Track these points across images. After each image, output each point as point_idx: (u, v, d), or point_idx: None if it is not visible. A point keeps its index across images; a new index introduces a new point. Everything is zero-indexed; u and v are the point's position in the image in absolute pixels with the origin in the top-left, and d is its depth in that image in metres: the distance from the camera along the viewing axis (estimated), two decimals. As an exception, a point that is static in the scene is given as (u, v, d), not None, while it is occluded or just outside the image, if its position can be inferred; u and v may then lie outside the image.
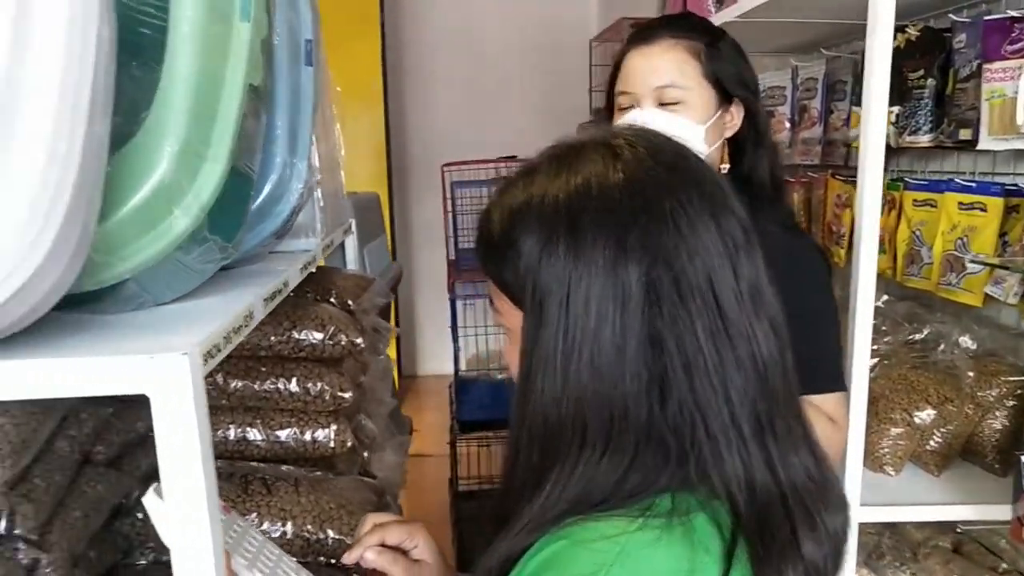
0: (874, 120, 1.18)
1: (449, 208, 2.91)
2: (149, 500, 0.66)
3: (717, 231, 0.56)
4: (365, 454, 1.28)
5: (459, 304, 2.97)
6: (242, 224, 0.79)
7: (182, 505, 0.55)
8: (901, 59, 1.47)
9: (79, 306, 0.69)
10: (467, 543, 2.80)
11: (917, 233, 1.54)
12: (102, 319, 0.70)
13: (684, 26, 1.21)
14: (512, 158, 2.86)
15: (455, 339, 2.97)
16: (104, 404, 0.93)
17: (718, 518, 0.54)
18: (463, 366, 3.11)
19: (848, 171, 1.87)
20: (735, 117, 1.22)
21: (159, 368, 0.54)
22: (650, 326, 0.54)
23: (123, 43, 0.59)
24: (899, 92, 1.48)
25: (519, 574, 0.54)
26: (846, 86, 1.90)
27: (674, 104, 1.17)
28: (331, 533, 0.97)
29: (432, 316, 4.34)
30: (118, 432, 0.95)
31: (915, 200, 1.56)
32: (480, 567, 0.59)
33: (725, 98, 1.21)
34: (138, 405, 1.01)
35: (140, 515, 0.95)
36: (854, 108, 1.74)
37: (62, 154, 0.52)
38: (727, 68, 1.19)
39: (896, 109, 1.48)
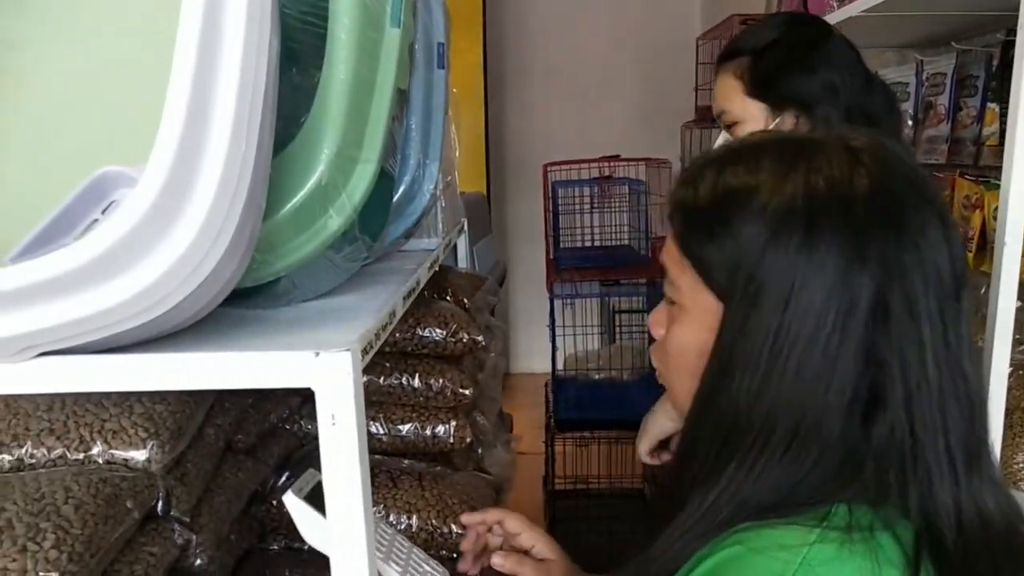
0: (1023, 115, 1.11)
1: (550, 208, 2.91)
2: (289, 499, 0.69)
3: (949, 258, 0.54)
4: (479, 450, 1.30)
5: (557, 304, 2.97)
6: (385, 223, 0.81)
7: (343, 494, 0.57)
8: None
9: (232, 302, 0.72)
10: (561, 542, 2.80)
11: (1059, 239, 1.45)
12: (255, 315, 0.73)
13: (733, 51, 1.27)
14: (615, 157, 2.84)
15: (553, 338, 2.97)
16: (244, 394, 0.98)
17: (902, 537, 0.52)
18: (559, 365, 3.11)
19: (977, 171, 1.78)
20: (794, 122, 1.22)
21: (324, 364, 0.56)
22: (871, 342, 0.53)
23: (284, 50, 0.61)
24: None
25: None
26: (977, 81, 1.80)
27: (733, 126, 1.25)
28: (455, 528, 0.98)
29: (526, 315, 4.35)
30: (255, 422, 0.99)
31: (1057, 204, 1.46)
32: (635, 567, 0.59)
33: (778, 107, 1.22)
34: (272, 397, 1.05)
35: (274, 502, 0.98)
36: (989, 104, 1.65)
37: (240, 156, 0.54)
38: (770, 79, 1.21)
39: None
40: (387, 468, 1.05)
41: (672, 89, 3.65)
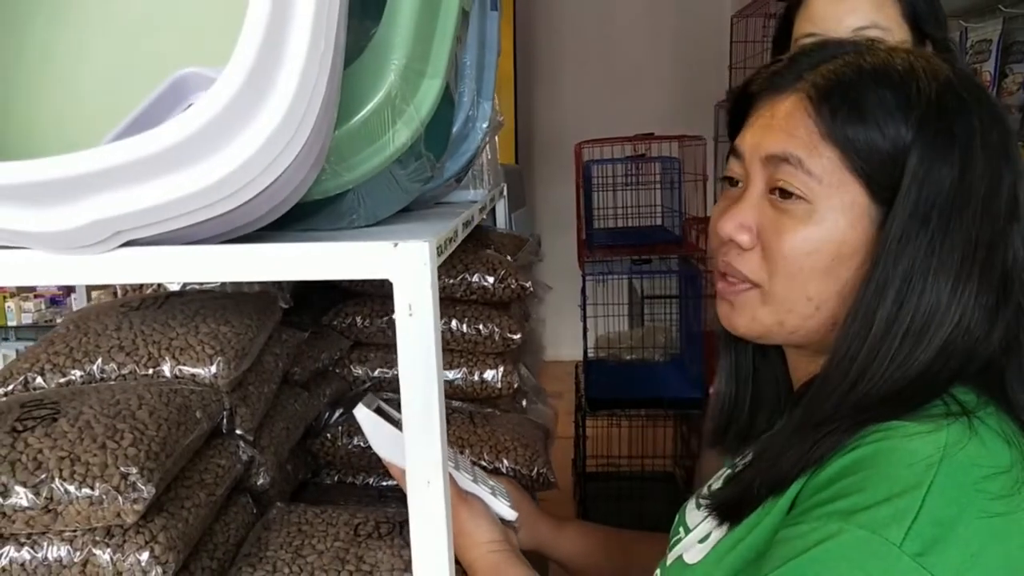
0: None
1: (582, 186, 2.91)
2: (360, 412, 0.70)
3: None
4: (524, 403, 1.30)
5: (589, 283, 2.97)
6: (447, 145, 0.82)
7: (420, 387, 0.58)
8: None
9: (295, 221, 0.73)
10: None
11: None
12: (320, 235, 0.74)
13: None
14: (650, 135, 2.83)
15: (584, 318, 2.97)
16: (303, 328, 0.99)
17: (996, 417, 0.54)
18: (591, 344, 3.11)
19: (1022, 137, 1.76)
20: None
21: (403, 254, 0.57)
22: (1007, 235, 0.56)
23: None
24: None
25: (826, 472, 0.54)
26: None
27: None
28: (507, 463, 0.99)
29: (555, 303, 4.33)
30: (310, 358, 1.00)
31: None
32: (757, 471, 0.59)
33: (919, 40, 1.16)
34: (326, 336, 1.06)
35: (329, 436, 1.00)
36: (1037, 67, 1.63)
37: (319, 54, 0.55)
38: (922, 5, 1.13)
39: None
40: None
41: (704, 70, 3.64)
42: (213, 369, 0.76)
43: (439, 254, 0.63)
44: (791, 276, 0.59)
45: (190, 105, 0.63)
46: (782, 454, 0.56)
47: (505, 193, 1.77)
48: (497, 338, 1.13)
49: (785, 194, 0.58)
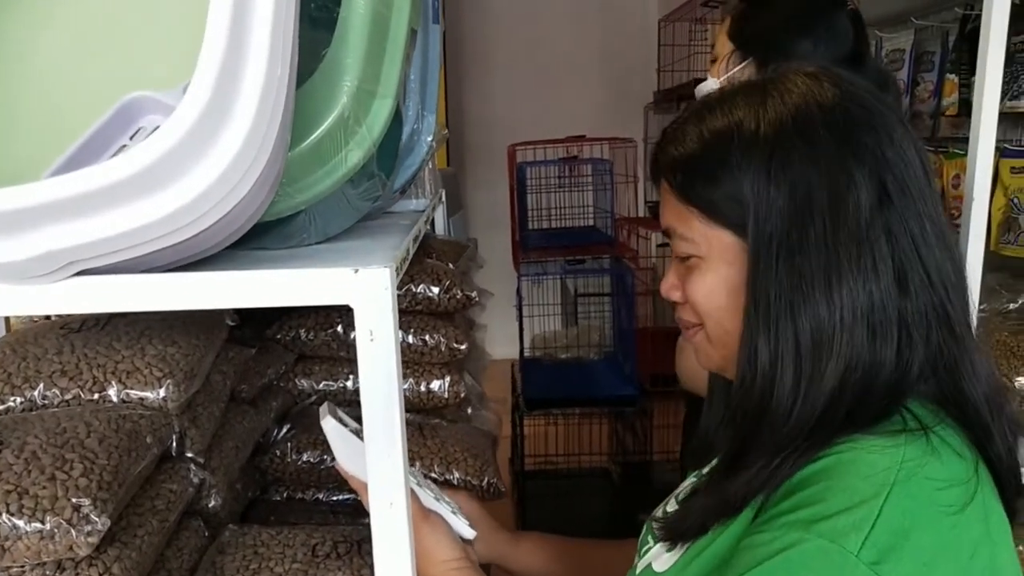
0: (989, 85, 1.17)
1: (515, 188, 2.93)
2: (328, 424, 0.70)
3: (915, 149, 0.61)
4: (468, 409, 1.31)
5: (524, 284, 3.00)
6: (396, 162, 0.82)
7: (381, 411, 0.58)
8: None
9: (245, 241, 0.73)
10: (531, 522, 2.83)
11: (1015, 201, 1.53)
12: (272, 253, 0.73)
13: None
14: (581, 137, 2.87)
15: (520, 319, 2.99)
16: (248, 345, 0.98)
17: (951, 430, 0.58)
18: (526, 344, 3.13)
19: (935, 142, 1.85)
20: (752, 71, 1.26)
21: (364, 280, 0.57)
22: (885, 226, 0.58)
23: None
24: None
25: (790, 480, 0.56)
26: (934, 56, 1.88)
27: (713, 63, 1.32)
28: (457, 474, 1.00)
29: (489, 302, 4.36)
30: (256, 374, 0.99)
31: (1013, 167, 1.54)
32: (712, 495, 0.61)
33: (745, 55, 1.28)
34: (271, 352, 1.05)
35: (278, 452, 0.99)
36: (948, 76, 1.73)
37: (276, 79, 0.55)
38: (750, 26, 1.27)
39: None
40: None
41: (631, 73, 3.70)
42: (162, 392, 0.75)
43: (398, 272, 0.63)
44: (709, 316, 0.65)
45: (139, 129, 0.62)
46: (729, 480, 0.59)
47: (444, 199, 1.78)
48: (443, 348, 1.13)
49: (683, 256, 0.66)
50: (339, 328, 1.13)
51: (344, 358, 1.14)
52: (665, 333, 2.84)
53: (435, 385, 1.14)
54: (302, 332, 1.11)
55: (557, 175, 2.92)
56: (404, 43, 0.73)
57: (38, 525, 0.60)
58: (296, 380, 1.12)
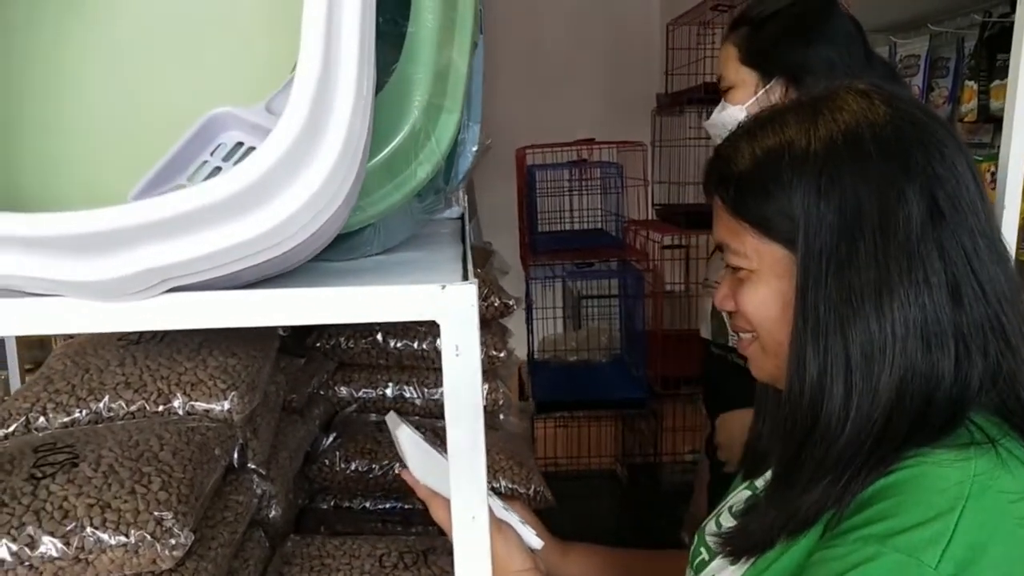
0: (1022, 91, 1.18)
1: (525, 191, 2.94)
2: (405, 435, 0.71)
3: (967, 163, 0.61)
4: (501, 416, 1.32)
5: (533, 286, 3.00)
6: (453, 175, 0.83)
7: (465, 425, 0.59)
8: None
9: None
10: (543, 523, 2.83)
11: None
12: (336, 266, 0.74)
13: (738, 20, 1.33)
14: (591, 140, 2.87)
15: (529, 321, 3.00)
16: (289, 352, 0.98)
17: (1017, 442, 0.59)
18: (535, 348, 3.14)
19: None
20: (783, 90, 1.27)
21: (450, 296, 0.58)
22: (938, 243, 0.59)
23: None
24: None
25: (861, 495, 0.57)
26: (949, 63, 1.89)
27: (728, 91, 1.31)
28: (503, 482, 1.00)
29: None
30: (303, 384, 1.00)
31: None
32: (775, 511, 0.62)
33: (767, 77, 1.28)
34: (313, 359, 1.05)
35: (326, 462, 0.99)
36: (967, 83, 1.74)
37: (364, 98, 0.56)
38: (764, 49, 1.26)
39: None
40: (430, 428, 1.06)
41: (634, 76, 3.70)
42: (227, 404, 0.75)
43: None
44: (761, 328, 0.67)
45: (219, 145, 0.63)
46: (795, 499, 0.60)
47: (466, 204, 1.78)
48: (482, 356, 1.14)
49: (736, 268, 0.68)
50: (379, 336, 1.13)
51: (383, 366, 1.15)
52: (675, 336, 2.86)
53: (474, 392, 1.15)
54: (342, 340, 1.12)
55: (568, 178, 2.93)
56: (469, 57, 0.74)
57: (122, 538, 0.60)
58: (336, 388, 1.12)
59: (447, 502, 0.75)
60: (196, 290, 0.57)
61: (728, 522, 0.72)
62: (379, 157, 0.68)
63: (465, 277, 0.62)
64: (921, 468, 0.56)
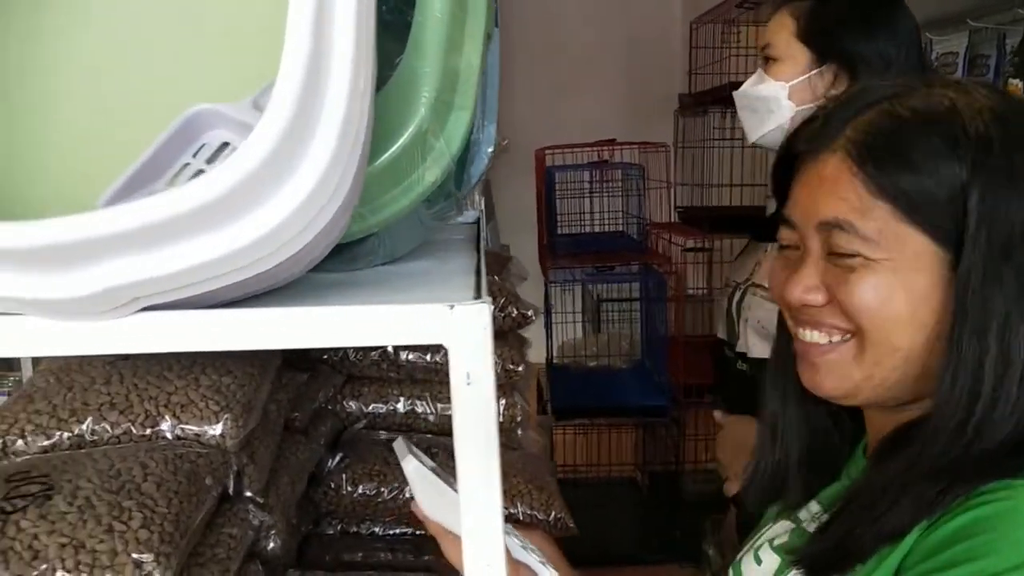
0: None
1: (544, 192, 2.87)
2: (412, 466, 0.65)
3: None
4: (519, 431, 1.25)
5: (552, 290, 2.94)
6: (465, 178, 0.77)
7: (478, 463, 0.52)
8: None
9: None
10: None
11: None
12: (338, 278, 0.68)
13: None
14: (612, 141, 2.80)
15: (548, 325, 2.93)
16: (295, 366, 0.92)
17: None
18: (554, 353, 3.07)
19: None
20: (836, 80, 1.18)
21: (460, 318, 0.51)
22: None
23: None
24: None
25: (941, 531, 0.50)
26: (989, 60, 1.81)
27: (770, 62, 1.22)
28: (521, 507, 0.94)
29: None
30: (308, 400, 0.94)
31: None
32: (868, 508, 0.54)
33: (822, 60, 1.18)
34: (320, 373, 0.99)
35: (332, 484, 0.93)
36: (1011, 81, 1.65)
37: (360, 93, 0.50)
38: (825, 29, 1.17)
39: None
40: (444, 446, 1.00)
41: (654, 76, 3.62)
42: (219, 428, 0.69)
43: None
44: (875, 327, 0.56)
45: (203, 145, 0.57)
46: (895, 503, 0.52)
47: (483, 207, 1.72)
48: (498, 370, 1.08)
49: (844, 252, 0.56)
50: (389, 348, 1.07)
51: (394, 379, 1.09)
52: (698, 342, 2.78)
53: (489, 408, 1.08)
54: (350, 352, 1.06)
55: (588, 180, 2.86)
56: (481, 50, 0.67)
57: (96, 584, 0.54)
58: (344, 403, 1.06)
59: (460, 540, 0.69)
60: (173, 308, 0.50)
61: (769, 556, 0.66)
62: (382, 159, 0.62)
63: (478, 294, 0.55)
64: (1012, 503, 0.49)
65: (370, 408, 1.06)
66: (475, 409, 0.52)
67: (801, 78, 1.18)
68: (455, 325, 0.51)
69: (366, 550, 0.91)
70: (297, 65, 0.46)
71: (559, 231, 2.92)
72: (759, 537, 0.69)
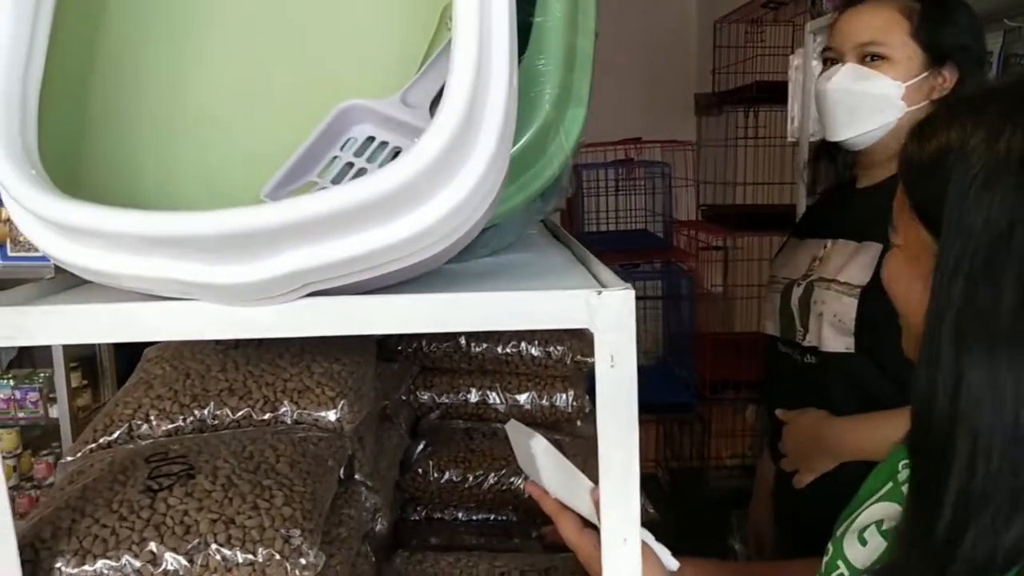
0: None
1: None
2: (540, 446, 0.67)
3: None
4: (578, 422, 1.28)
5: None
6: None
7: (620, 441, 0.55)
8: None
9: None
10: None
11: None
12: (458, 268, 0.70)
13: None
14: (637, 139, 2.83)
15: (574, 322, 2.94)
16: (384, 359, 0.95)
17: None
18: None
19: None
20: (948, 80, 1.18)
21: (607, 303, 0.54)
22: None
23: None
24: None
25: None
26: (1023, 60, 1.83)
27: (878, 61, 1.17)
28: (601, 494, 0.96)
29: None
30: (394, 389, 0.96)
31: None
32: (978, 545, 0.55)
33: (936, 60, 1.17)
34: (404, 364, 1.02)
35: (420, 470, 0.96)
36: (1052, 79, 1.67)
37: (515, 90, 0.53)
38: (942, 29, 1.15)
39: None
40: (520, 435, 1.02)
41: (672, 75, 3.63)
42: (337, 413, 0.72)
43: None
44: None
45: (349, 140, 0.59)
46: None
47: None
48: (568, 361, 1.10)
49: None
50: (461, 340, 1.09)
51: (465, 370, 1.11)
52: (725, 339, 2.80)
53: (559, 399, 1.11)
54: (423, 344, 1.08)
55: (615, 178, 2.89)
56: (592, 47, 0.70)
57: (249, 556, 0.57)
58: (418, 393, 1.08)
59: (575, 518, 0.71)
60: (336, 294, 0.53)
61: (875, 539, 0.67)
62: (512, 151, 0.64)
63: (601, 283, 0.58)
64: None
65: (443, 398, 1.09)
66: (618, 389, 0.54)
67: (917, 78, 1.16)
68: (602, 309, 0.54)
69: (452, 534, 0.93)
70: (468, 63, 0.49)
71: (585, 229, 2.94)
72: (858, 516, 0.71)
